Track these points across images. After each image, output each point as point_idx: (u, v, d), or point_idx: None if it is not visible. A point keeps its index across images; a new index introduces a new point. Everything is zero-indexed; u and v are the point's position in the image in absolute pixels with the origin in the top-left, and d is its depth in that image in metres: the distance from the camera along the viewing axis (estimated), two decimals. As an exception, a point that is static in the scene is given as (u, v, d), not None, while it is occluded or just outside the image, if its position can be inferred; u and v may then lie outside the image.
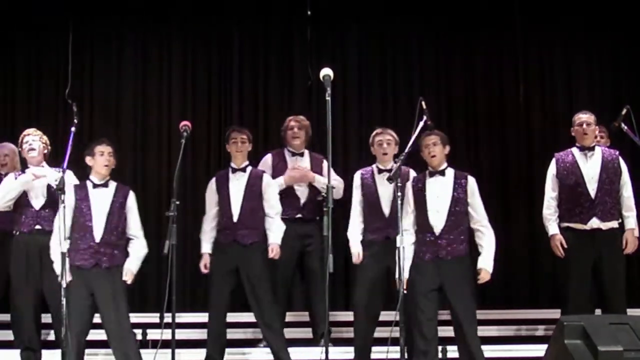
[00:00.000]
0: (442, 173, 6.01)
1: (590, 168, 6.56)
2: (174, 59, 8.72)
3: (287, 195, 6.90)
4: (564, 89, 8.84)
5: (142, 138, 8.60)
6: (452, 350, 6.69)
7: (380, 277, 6.31)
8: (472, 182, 6.05)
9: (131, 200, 6.18)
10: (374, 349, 6.45)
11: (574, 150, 6.66)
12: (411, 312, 5.81)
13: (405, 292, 5.71)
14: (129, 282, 6.02)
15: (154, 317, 7.18)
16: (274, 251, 6.49)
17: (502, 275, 8.47)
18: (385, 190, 6.42)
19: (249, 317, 6.82)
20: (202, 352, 6.58)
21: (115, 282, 5.97)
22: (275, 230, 6.54)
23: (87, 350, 6.52)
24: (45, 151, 6.67)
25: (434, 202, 5.95)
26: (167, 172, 8.38)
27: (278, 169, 6.99)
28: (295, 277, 7.17)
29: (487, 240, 5.99)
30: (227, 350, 6.53)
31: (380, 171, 6.50)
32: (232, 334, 6.94)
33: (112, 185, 6.17)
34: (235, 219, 6.48)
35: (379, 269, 6.29)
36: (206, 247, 6.56)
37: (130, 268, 6.05)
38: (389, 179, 5.72)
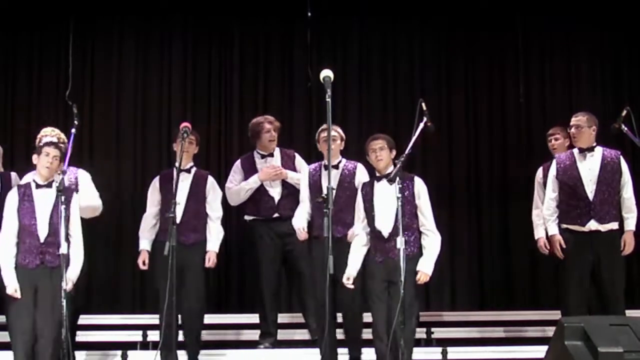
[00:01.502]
0: (400, 176, 5.94)
1: (589, 169, 6.54)
2: (174, 60, 8.71)
3: (260, 196, 6.96)
4: (564, 90, 8.83)
5: (142, 138, 8.59)
6: (452, 352, 6.72)
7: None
8: (418, 184, 6.02)
9: (74, 201, 6.08)
10: (367, 349, 6.45)
11: (575, 151, 6.65)
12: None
13: (352, 286, 5.89)
14: (68, 289, 5.76)
15: (153, 318, 7.18)
16: (210, 260, 6.57)
17: (503, 276, 8.50)
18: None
19: (246, 319, 6.82)
20: (201, 353, 6.59)
21: (57, 284, 5.76)
22: (215, 237, 6.62)
23: (82, 352, 6.56)
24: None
25: (381, 206, 5.93)
26: (167, 173, 8.37)
27: (250, 173, 7.03)
28: (281, 278, 7.19)
29: (429, 242, 5.93)
30: (225, 351, 6.51)
31: (326, 167, 6.51)
32: (230, 335, 6.97)
33: (55, 185, 6.02)
34: (178, 219, 6.37)
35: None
36: (145, 243, 6.62)
37: (70, 277, 5.88)
38: (389, 181, 5.71)
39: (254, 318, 7.08)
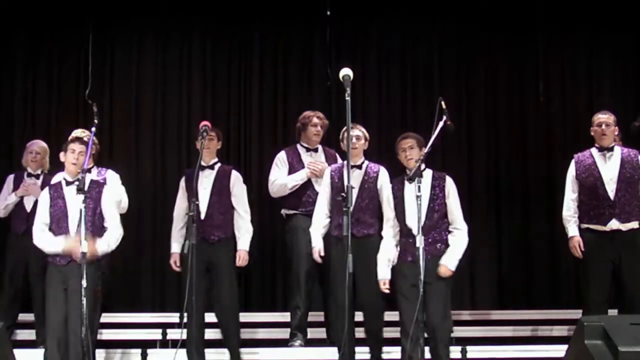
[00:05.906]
0: (420, 175, 5.92)
1: (609, 169, 6.52)
2: (194, 59, 8.74)
3: (305, 190, 6.88)
4: (585, 89, 8.80)
5: (161, 138, 8.63)
6: (472, 350, 6.70)
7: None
8: (449, 183, 6.02)
9: (105, 194, 6.10)
10: (388, 348, 6.43)
11: (593, 150, 6.63)
12: None
13: (387, 291, 5.87)
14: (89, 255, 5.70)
15: (173, 317, 7.22)
16: (241, 259, 6.50)
17: (523, 275, 8.47)
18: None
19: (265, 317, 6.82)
20: (220, 352, 6.59)
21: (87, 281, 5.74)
22: (244, 235, 6.54)
23: (102, 350, 6.57)
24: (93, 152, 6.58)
25: (411, 205, 5.86)
26: (187, 171, 8.40)
27: (293, 165, 6.95)
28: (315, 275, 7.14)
29: (454, 240, 5.93)
30: (258, 350, 6.59)
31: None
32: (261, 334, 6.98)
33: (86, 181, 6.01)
34: (203, 216, 6.37)
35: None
36: (175, 246, 6.54)
37: (97, 250, 5.91)
38: (409, 179, 5.69)
39: (282, 317, 7.06)
